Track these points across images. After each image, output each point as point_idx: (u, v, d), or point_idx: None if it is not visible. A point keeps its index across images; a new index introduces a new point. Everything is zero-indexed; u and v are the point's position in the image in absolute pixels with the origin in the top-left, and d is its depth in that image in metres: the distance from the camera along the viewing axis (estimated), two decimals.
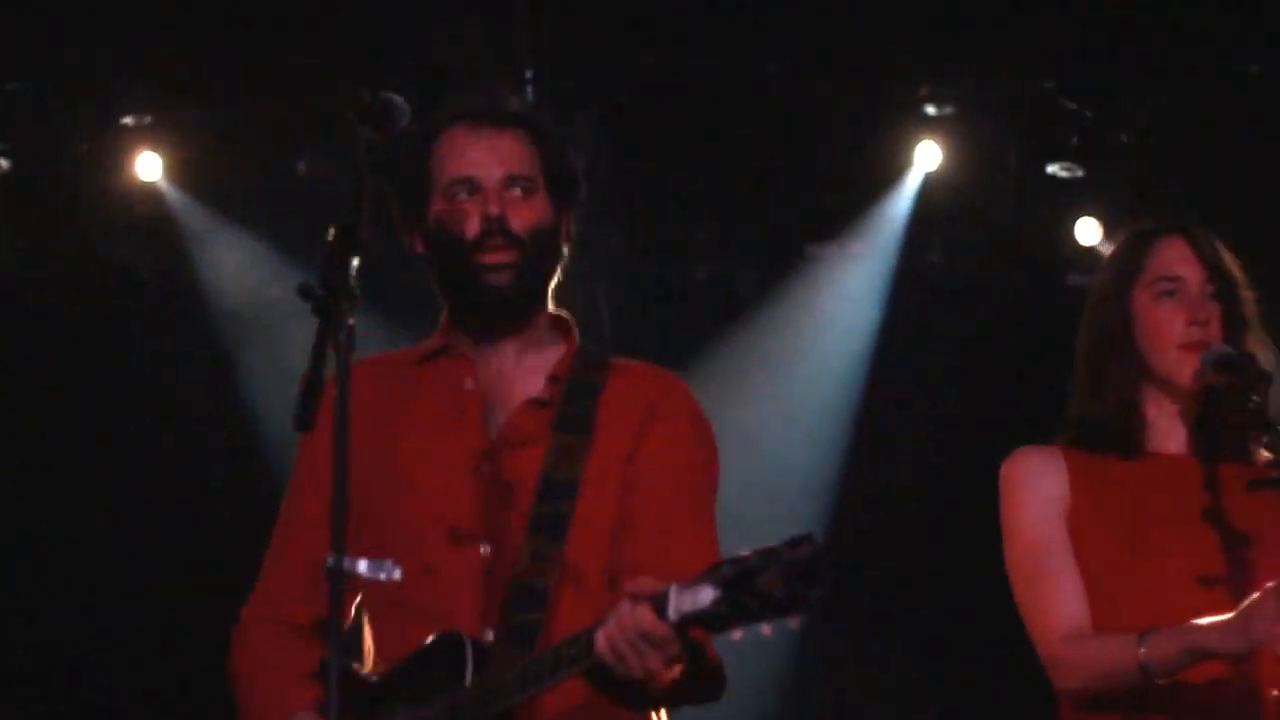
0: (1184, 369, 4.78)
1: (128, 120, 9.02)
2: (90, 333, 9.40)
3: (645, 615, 3.71)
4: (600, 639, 3.77)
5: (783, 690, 9.68)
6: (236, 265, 9.19)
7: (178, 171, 9.05)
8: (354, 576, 3.76)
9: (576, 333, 4.46)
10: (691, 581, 3.65)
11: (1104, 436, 4.84)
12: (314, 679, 4.26)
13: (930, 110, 9.34)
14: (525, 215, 4.27)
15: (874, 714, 9.90)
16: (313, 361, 3.62)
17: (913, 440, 9.65)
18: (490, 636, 4.13)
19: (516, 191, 4.28)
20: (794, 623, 3.56)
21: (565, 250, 4.40)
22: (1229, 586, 4.67)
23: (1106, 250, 9.37)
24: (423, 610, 4.17)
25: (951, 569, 9.07)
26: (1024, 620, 4.83)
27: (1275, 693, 4.50)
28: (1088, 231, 9.46)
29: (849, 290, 9.84)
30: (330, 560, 3.57)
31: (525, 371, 4.37)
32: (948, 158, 9.36)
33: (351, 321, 3.63)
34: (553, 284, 4.41)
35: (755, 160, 9.32)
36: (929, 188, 9.51)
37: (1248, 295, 4.88)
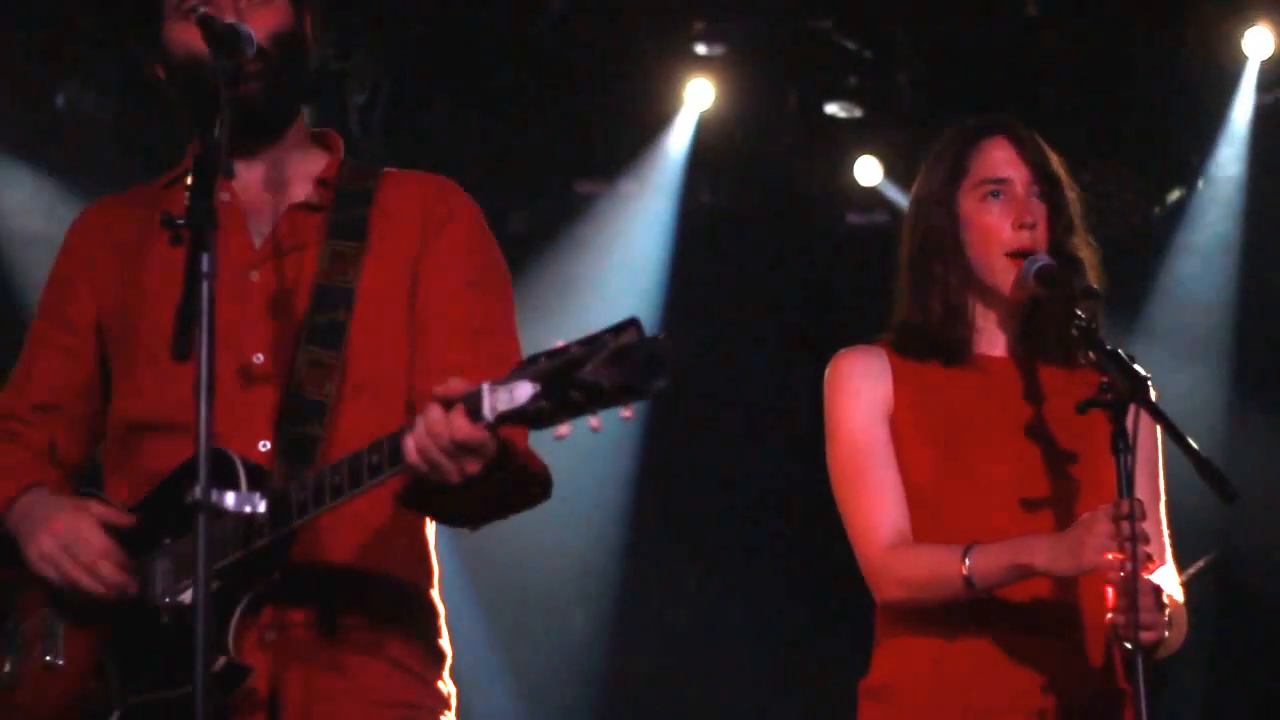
0: (1008, 278, 4.71)
1: None
2: None
3: (457, 418, 3.53)
4: (409, 446, 3.58)
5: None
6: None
7: None
8: (221, 510, 3.62)
9: (342, 143, 4.29)
10: (505, 378, 3.45)
11: (928, 343, 4.77)
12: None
13: (701, 49, 9.30)
14: (264, 20, 4.05)
15: (676, 616, 9.90)
16: (186, 288, 3.51)
17: (707, 382, 9.64)
18: (264, 449, 3.94)
19: None
20: (627, 412, 3.37)
21: (312, 52, 4.21)
22: (1051, 506, 4.66)
23: (886, 190, 9.49)
24: (184, 427, 3.84)
25: (763, 505, 9.14)
26: (845, 526, 4.76)
27: (1109, 617, 4.49)
28: (867, 171, 9.52)
29: (623, 229, 9.81)
30: (197, 491, 3.45)
31: (288, 179, 4.18)
32: (721, 97, 9.36)
33: (214, 247, 3.52)
34: (306, 90, 4.24)
35: (527, 99, 9.25)
36: (703, 127, 9.49)
37: (1072, 195, 4.83)
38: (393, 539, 4.03)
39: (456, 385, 3.56)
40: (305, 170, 4.19)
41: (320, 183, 4.17)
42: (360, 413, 4.00)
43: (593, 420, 3.39)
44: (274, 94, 4.07)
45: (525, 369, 3.43)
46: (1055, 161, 4.83)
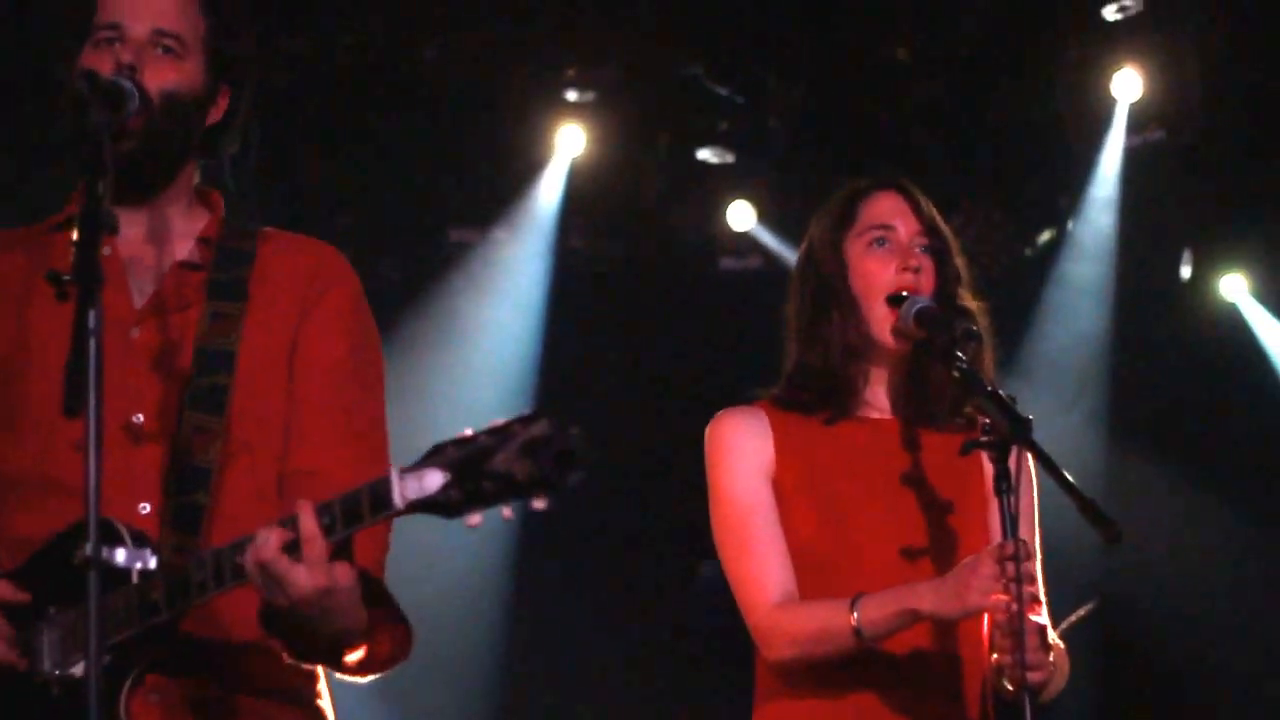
0: (886, 327, 4.73)
1: None
2: None
3: (279, 535, 3.50)
4: (246, 558, 3.54)
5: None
6: None
7: None
8: (111, 567, 3.58)
9: (222, 202, 4.20)
10: (414, 465, 3.41)
11: (816, 392, 4.78)
12: None
13: (572, 95, 9.30)
14: (163, 75, 3.96)
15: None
16: (74, 343, 3.43)
17: (587, 423, 9.62)
18: (144, 511, 3.87)
19: (161, 50, 3.98)
20: (540, 503, 3.32)
21: (217, 131, 4.12)
22: (931, 556, 4.68)
23: (760, 235, 9.52)
24: (65, 486, 3.81)
25: (643, 543, 9.12)
26: (732, 588, 4.75)
27: (994, 659, 4.50)
28: (740, 216, 9.54)
29: (496, 276, 9.79)
30: (88, 549, 3.37)
31: (168, 237, 4.07)
32: (593, 143, 9.36)
33: (101, 304, 3.45)
34: (191, 158, 4.11)
35: (399, 146, 9.22)
36: (576, 174, 9.49)
37: (960, 260, 4.86)
38: None
39: (309, 524, 3.51)
40: (187, 228, 4.12)
41: (202, 241, 4.09)
42: (241, 477, 3.95)
43: (505, 510, 3.36)
44: (151, 152, 3.98)
45: (434, 457, 3.39)
46: (945, 225, 4.87)
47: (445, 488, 3.37)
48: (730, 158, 9.45)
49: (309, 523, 3.52)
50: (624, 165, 9.42)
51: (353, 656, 3.84)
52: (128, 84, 3.85)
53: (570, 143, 9.39)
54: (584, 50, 9.10)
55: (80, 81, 3.82)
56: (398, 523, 3.63)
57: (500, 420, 3.37)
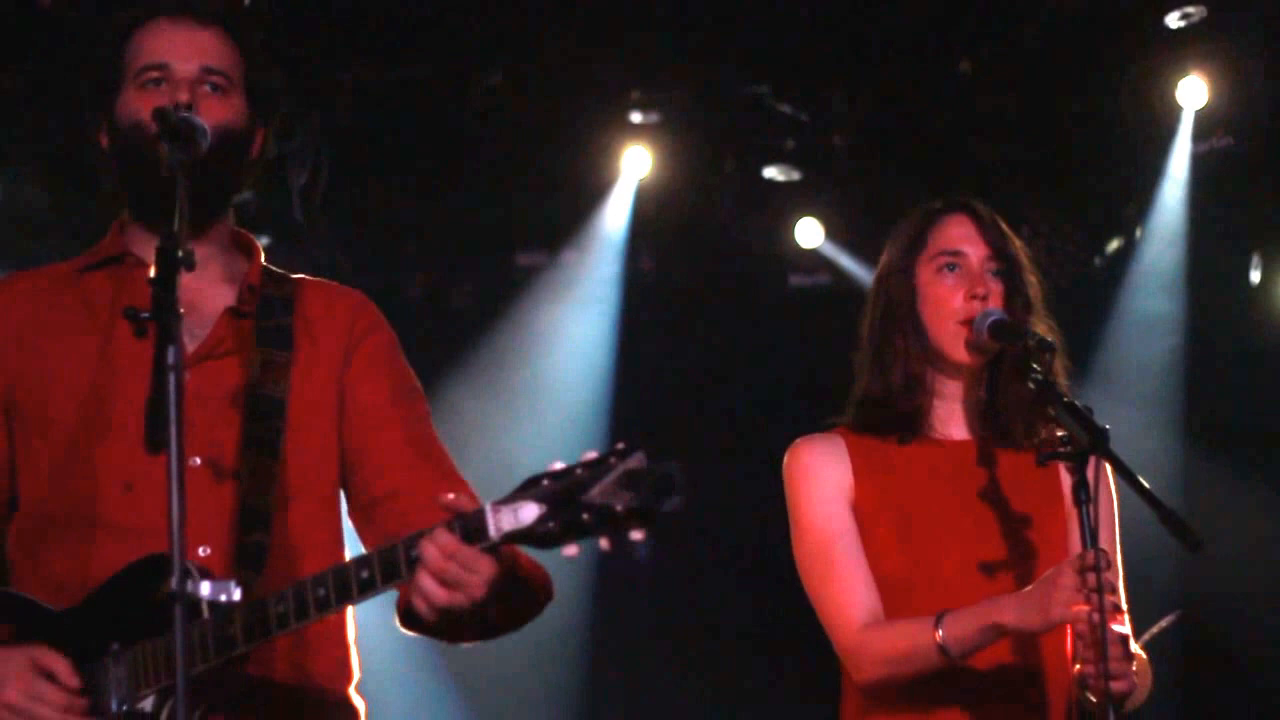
0: (959, 344, 4.77)
1: None
2: None
3: (452, 539, 3.56)
4: (423, 582, 3.60)
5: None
6: None
7: None
8: (195, 599, 3.64)
9: (260, 247, 4.30)
10: (508, 497, 3.49)
11: (887, 416, 4.82)
12: None
13: (637, 118, 9.34)
14: (215, 111, 4.04)
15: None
16: (155, 383, 3.50)
17: (659, 448, 9.62)
18: (204, 554, 3.93)
19: (209, 87, 4.08)
20: (638, 534, 3.41)
21: (254, 166, 4.22)
22: (1011, 570, 4.70)
23: (828, 251, 9.53)
24: (122, 529, 3.92)
25: (718, 562, 9.12)
26: (819, 614, 4.79)
27: (1077, 669, 4.51)
28: (808, 233, 9.56)
29: (565, 299, 9.83)
30: (173, 584, 3.41)
31: (211, 280, 4.16)
32: (659, 164, 9.39)
33: (181, 340, 3.54)
34: (236, 196, 4.24)
35: (467, 173, 9.26)
36: (643, 195, 9.52)
37: (1032, 279, 4.88)
38: (317, 643, 4.04)
39: (459, 504, 3.59)
40: (230, 272, 4.21)
41: (249, 289, 4.18)
42: (296, 518, 4.04)
43: (603, 541, 3.43)
44: (208, 189, 4.03)
45: (529, 490, 3.47)
46: (1017, 245, 4.90)
47: (541, 519, 3.44)
48: (796, 175, 9.46)
49: (448, 538, 3.58)
50: (691, 186, 9.45)
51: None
52: (199, 120, 3.91)
53: (637, 164, 9.42)
54: (648, 72, 9.12)
55: (150, 120, 3.88)
56: None
57: (594, 453, 3.45)
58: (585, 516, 3.40)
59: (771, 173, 9.48)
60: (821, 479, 4.81)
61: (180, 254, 3.61)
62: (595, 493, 3.38)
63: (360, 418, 4.14)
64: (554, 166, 9.38)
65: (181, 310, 3.89)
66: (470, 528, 3.55)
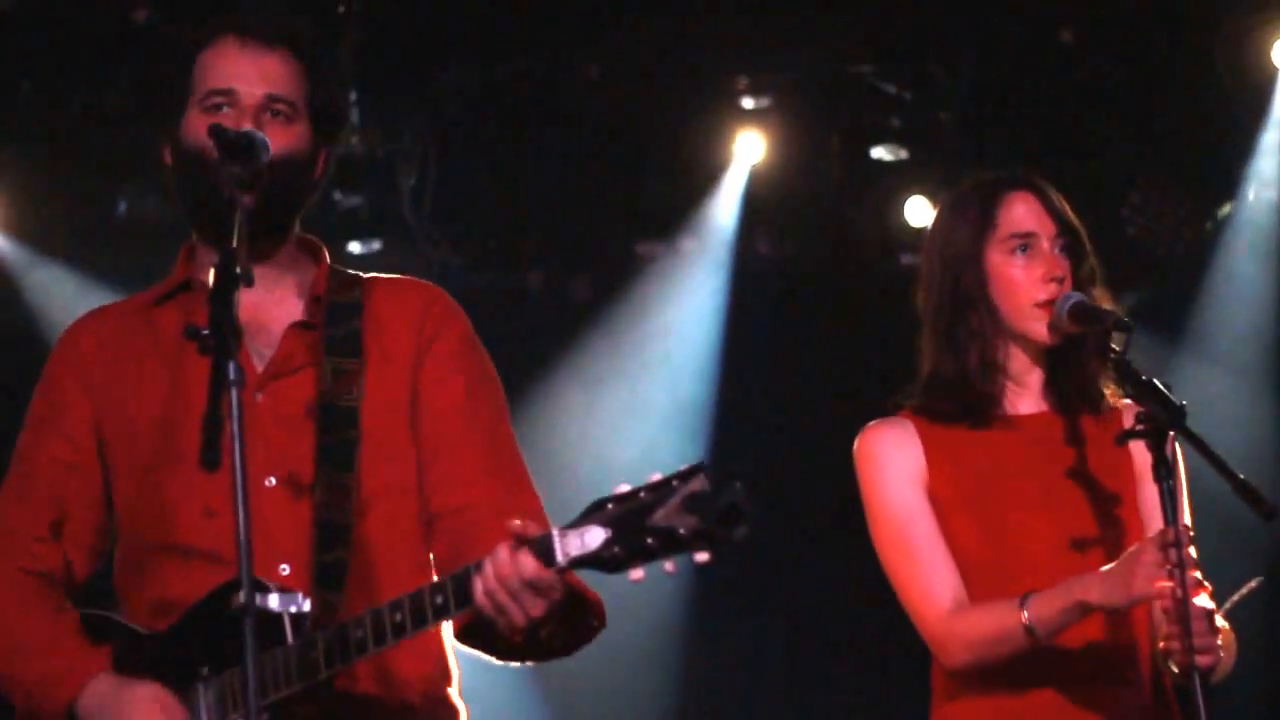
0: (1041, 325, 4.77)
1: None
2: None
3: (525, 560, 3.58)
4: (478, 589, 3.63)
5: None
6: (62, 303, 9.02)
7: (7, 219, 8.91)
8: (266, 611, 3.72)
9: (326, 252, 4.31)
10: (575, 522, 3.52)
11: (962, 400, 4.81)
12: (76, 632, 4.08)
13: (748, 103, 9.35)
14: (280, 139, 4.06)
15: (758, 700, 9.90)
16: (211, 400, 3.55)
17: (770, 432, 9.65)
18: (285, 572, 3.97)
19: (272, 114, 4.11)
20: (702, 557, 3.43)
21: (317, 185, 4.24)
22: (1101, 546, 4.70)
23: None
24: (207, 554, 3.97)
25: (824, 560, 9.12)
26: (901, 600, 4.80)
27: (1161, 645, 4.52)
28: (918, 211, 9.54)
29: (685, 287, 9.85)
30: (242, 596, 3.47)
31: (279, 297, 4.20)
32: (770, 148, 9.40)
33: (239, 358, 3.58)
34: (299, 214, 4.24)
35: (580, 164, 9.30)
36: (755, 179, 9.54)
37: (1091, 254, 4.89)
38: (413, 647, 4.02)
39: (527, 528, 3.61)
40: (296, 283, 4.24)
41: (314, 300, 4.20)
42: (375, 531, 4.07)
43: (668, 565, 3.46)
44: (273, 209, 4.07)
45: (594, 514, 3.50)
46: (1075, 218, 4.90)
47: (607, 544, 3.47)
48: (904, 154, 9.44)
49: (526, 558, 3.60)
50: (800, 168, 9.44)
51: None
52: (259, 134, 3.96)
53: (749, 149, 9.43)
54: (754, 57, 9.14)
55: (208, 137, 3.93)
56: None
57: (658, 475, 3.47)
58: (650, 541, 3.43)
59: (879, 152, 9.45)
60: (893, 463, 4.81)
61: (238, 270, 3.66)
62: (659, 516, 3.41)
63: (434, 422, 4.14)
64: (666, 155, 9.40)
65: (243, 325, 3.90)
66: (536, 552, 3.59)
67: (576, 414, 9.55)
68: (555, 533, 3.56)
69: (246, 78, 4.13)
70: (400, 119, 8.79)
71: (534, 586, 3.60)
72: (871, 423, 4.89)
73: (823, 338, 9.68)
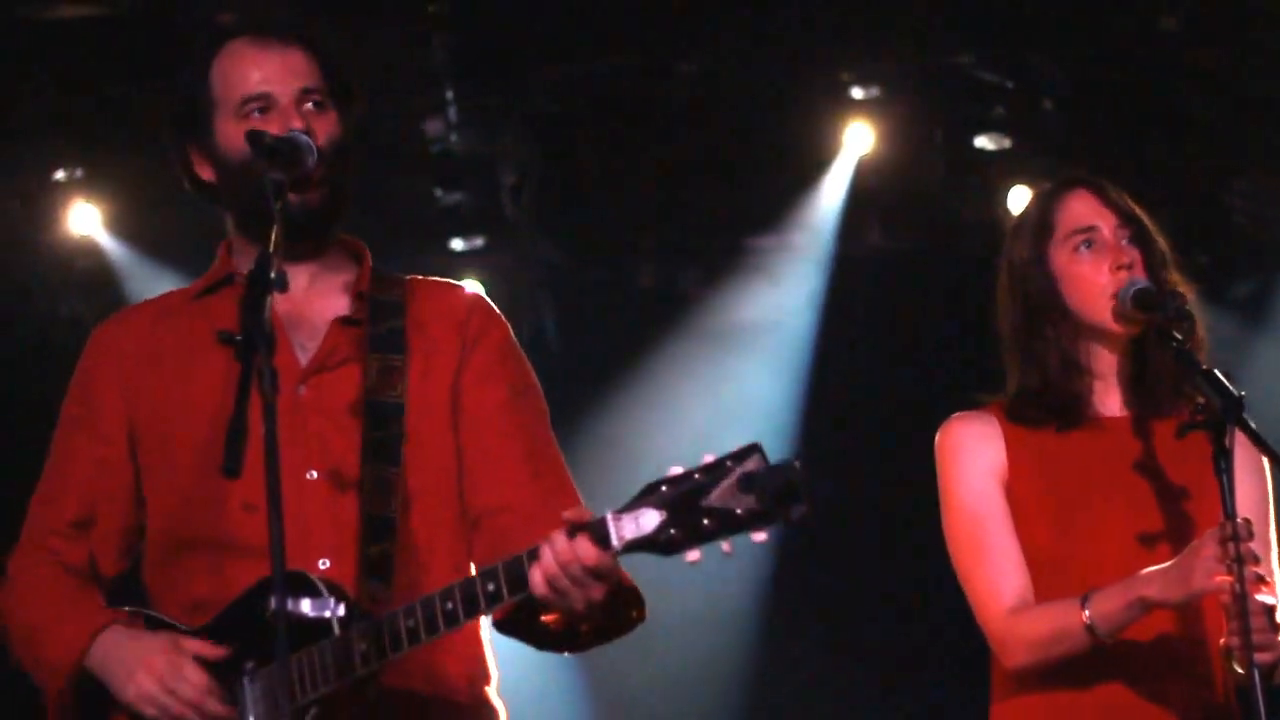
0: (1110, 313, 4.70)
1: (59, 175, 9.02)
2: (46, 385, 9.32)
3: (584, 545, 3.58)
4: (537, 575, 3.63)
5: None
6: None
7: (114, 222, 9.05)
8: (298, 616, 3.75)
9: (368, 253, 4.30)
10: (629, 505, 3.52)
11: (1048, 406, 4.75)
12: (93, 604, 4.11)
13: (857, 93, 9.33)
14: (324, 128, 4.09)
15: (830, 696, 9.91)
16: (237, 405, 3.60)
17: (870, 421, 9.64)
18: (324, 567, 3.98)
19: (311, 105, 4.12)
20: (760, 537, 3.42)
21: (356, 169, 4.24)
22: (1170, 542, 4.64)
23: None
24: (247, 549, 3.97)
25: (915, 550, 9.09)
26: (967, 594, 4.77)
27: (1222, 642, 4.47)
28: (1021, 200, 9.47)
29: (793, 279, 9.85)
30: (273, 603, 3.50)
31: (322, 292, 4.21)
32: (877, 139, 9.38)
33: (273, 363, 3.60)
34: (346, 206, 4.24)
35: (686, 158, 9.32)
36: (862, 170, 9.52)
37: (1160, 239, 4.82)
38: (451, 646, 4.05)
39: (582, 514, 3.63)
40: (340, 281, 4.25)
41: (358, 295, 4.21)
42: (419, 525, 4.08)
43: (725, 545, 3.45)
44: (335, 201, 4.13)
45: (648, 497, 3.50)
46: (1136, 206, 4.84)
47: (662, 526, 3.46)
48: (1007, 143, 9.39)
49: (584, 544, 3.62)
50: (906, 159, 9.41)
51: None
52: (302, 136, 3.98)
53: (858, 140, 9.41)
54: (858, 49, 9.12)
55: (246, 146, 3.96)
56: None
57: (711, 456, 3.46)
58: (706, 522, 3.42)
59: (982, 142, 9.41)
60: (973, 456, 4.77)
61: (272, 275, 3.68)
62: (715, 497, 3.40)
63: (476, 424, 4.15)
64: (774, 146, 9.40)
65: (284, 318, 4.02)
66: (593, 537, 3.59)
67: (679, 407, 9.56)
68: (609, 516, 3.56)
69: (277, 78, 4.14)
70: (498, 116, 8.83)
71: (593, 571, 3.61)
72: (955, 414, 4.85)
73: (925, 328, 9.65)
